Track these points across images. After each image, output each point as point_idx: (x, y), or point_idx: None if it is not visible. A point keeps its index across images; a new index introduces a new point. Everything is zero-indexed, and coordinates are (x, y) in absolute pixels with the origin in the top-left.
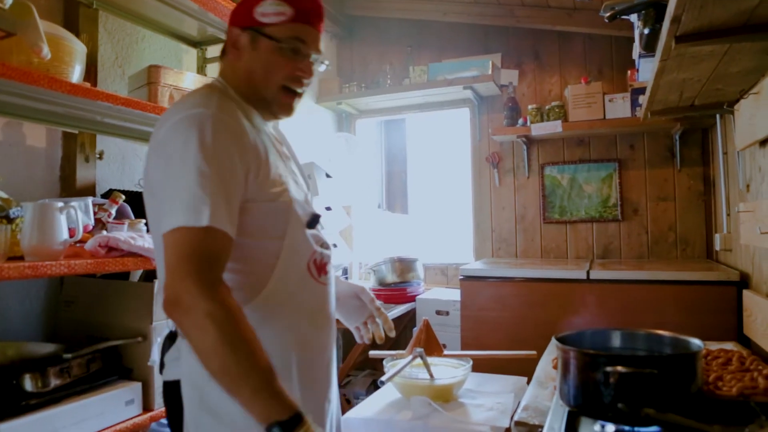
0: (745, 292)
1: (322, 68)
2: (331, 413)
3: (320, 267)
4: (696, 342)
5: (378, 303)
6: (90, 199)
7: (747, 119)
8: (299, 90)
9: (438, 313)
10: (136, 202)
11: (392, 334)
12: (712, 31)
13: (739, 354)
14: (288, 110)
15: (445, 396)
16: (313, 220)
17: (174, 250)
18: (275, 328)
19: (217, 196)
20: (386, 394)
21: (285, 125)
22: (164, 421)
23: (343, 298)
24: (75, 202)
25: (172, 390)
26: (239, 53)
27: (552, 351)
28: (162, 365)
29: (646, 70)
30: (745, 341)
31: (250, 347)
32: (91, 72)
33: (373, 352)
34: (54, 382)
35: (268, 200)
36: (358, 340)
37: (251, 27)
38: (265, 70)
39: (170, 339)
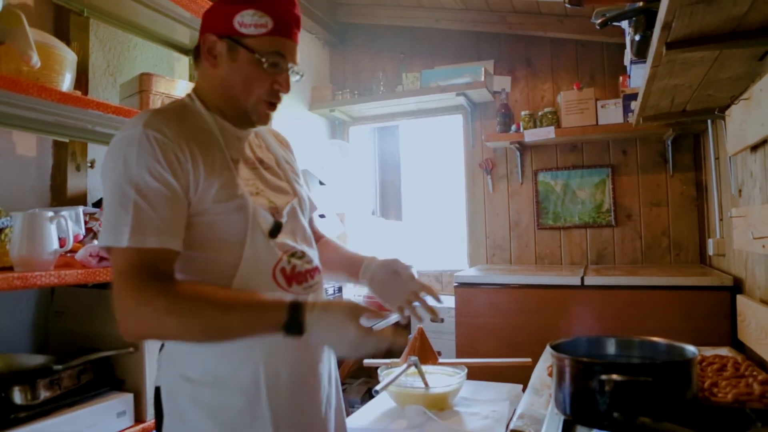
0: (739, 297)
1: (296, 79)
2: (330, 418)
3: (291, 276)
4: (690, 349)
5: (416, 274)
6: (81, 209)
7: (738, 125)
8: (277, 102)
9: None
10: None
11: (440, 303)
12: (703, 38)
13: (734, 360)
14: (265, 120)
15: (440, 404)
16: (275, 229)
17: (113, 274)
18: (238, 342)
19: (141, 214)
20: (381, 403)
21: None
22: None
23: (379, 276)
24: (65, 212)
25: (155, 396)
26: (215, 61)
27: (547, 358)
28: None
29: (637, 77)
30: (740, 346)
31: (206, 300)
32: (82, 80)
33: (367, 361)
34: (44, 394)
35: (221, 213)
36: (402, 322)
37: (229, 36)
38: (244, 83)
39: (162, 346)
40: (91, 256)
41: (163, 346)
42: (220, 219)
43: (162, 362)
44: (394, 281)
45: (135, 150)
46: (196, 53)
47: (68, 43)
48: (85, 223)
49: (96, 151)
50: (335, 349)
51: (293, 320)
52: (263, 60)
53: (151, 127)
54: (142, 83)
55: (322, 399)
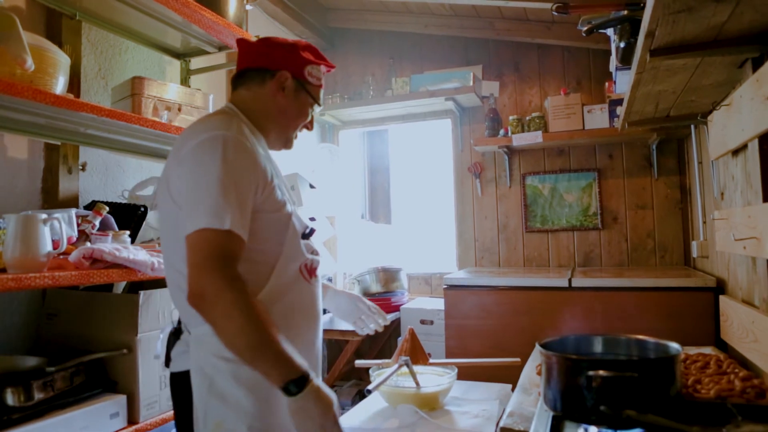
0: (722, 298)
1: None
2: None
3: (310, 271)
4: (674, 346)
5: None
6: (73, 211)
7: (720, 130)
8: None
9: (422, 322)
10: (119, 213)
11: (384, 322)
12: (685, 45)
13: (716, 357)
14: (290, 146)
15: (431, 404)
16: (309, 233)
17: (199, 248)
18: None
19: (235, 205)
20: (373, 403)
21: None
22: None
23: (344, 303)
24: (58, 214)
25: (180, 380)
26: (281, 92)
27: (536, 358)
28: (168, 359)
29: (622, 82)
30: (723, 345)
31: (266, 327)
32: (74, 83)
33: (359, 362)
34: (37, 395)
35: (271, 212)
36: (359, 332)
37: (298, 79)
38: (295, 116)
39: (175, 335)
40: (84, 258)
41: (177, 335)
42: (269, 218)
43: (194, 346)
44: (351, 307)
45: (232, 149)
46: (241, 75)
47: (60, 47)
48: (78, 225)
49: (88, 154)
50: (304, 414)
51: (298, 383)
52: (314, 104)
53: (241, 133)
54: (134, 86)
55: None
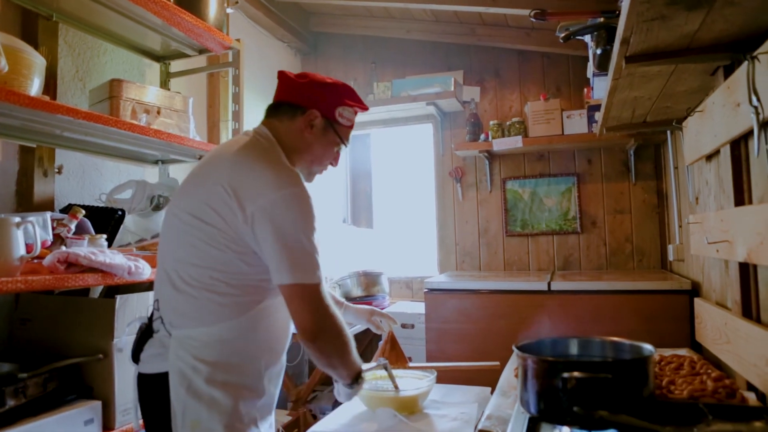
0: (697, 300)
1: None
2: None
3: None
4: (648, 347)
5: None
6: (48, 214)
7: (694, 135)
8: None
9: (403, 326)
10: (97, 217)
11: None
12: (659, 53)
13: (690, 359)
14: (311, 180)
15: (410, 407)
16: None
17: (308, 299)
18: (256, 338)
19: (318, 260)
20: (352, 407)
21: None
22: None
23: (361, 314)
24: (32, 217)
25: (151, 382)
26: (310, 129)
27: (515, 361)
28: (137, 358)
29: (600, 88)
30: (698, 347)
31: (351, 348)
32: (50, 85)
33: None
34: (9, 402)
35: None
36: (375, 330)
37: (328, 119)
38: (322, 154)
39: (146, 335)
40: (59, 262)
41: (148, 334)
42: None
43: (175, 348)
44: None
45: (308, 207)
46: (276, 106)
47: (36, 48)
48: (53, 229)
49: (64, 157)
50: (354, 395)
51: (357, 379)
52: (339, 142)
53: (306, 188)
54: (112, 89)
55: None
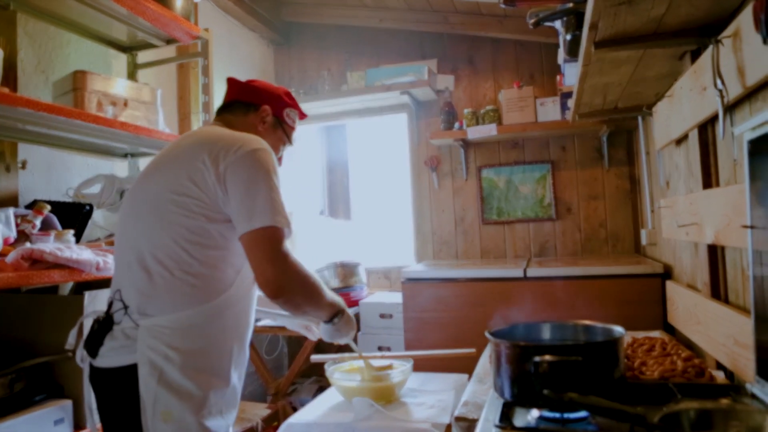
0: (668, 283)
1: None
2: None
3: None
4: (618, 329)
5: None
6: (11, 210)
7: (664, 120)
8: None
9: (382, 316)
10: (64, 212)
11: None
12: (627, 38)
13: (662, 340)
14: None
15: (387, 396)
16: None
17: (269, 246)
18: (224, 324)
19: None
20: (329, 398)
21: None
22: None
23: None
24: None
25: (113, 375)
26: (262, 124)
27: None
28: (95, 354)
29: (571, 75)
30: (671, 329)
31: (321, 290)
32: (10, 77)
33: (315, 357)
34: None
35: None
36: (312, 338)
37: (278, 117)
38: (272, 146)
39: (104, 327)
40: (23, 258)
41: (106, 327)
42: None
43: (144, 338)
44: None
45: (274, 163)
46: (228, 105)
47: None
48: (17, 225)
49: (28, 151)
50: (338, 332)
51: (337, 315)
52: (286, 141)
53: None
54: (76, 81)
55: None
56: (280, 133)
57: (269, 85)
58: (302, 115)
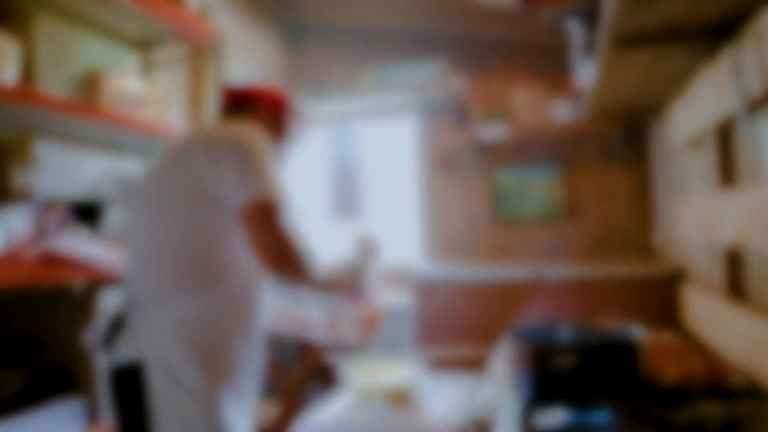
0: (684, 285)
1: None
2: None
3: None
4: (636, 331)
5: None
6: (26, 207)
7: (678, 120)
8: None
9: (390, 316)
10: (78, 210)
11: None
12: (644, 37)
13: (677, 342)
14: None
15: (400, 397)
16: None
17: (267, 220)
18: (232, 315)
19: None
20: (342, 399)
21: None
22: None
23: None
24: (9, 210)
25: (128, 370)
26: (261, 124)
27: (505, 347)
28: (109, 349)
29: (585, 75)
30: (684, 330)
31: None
32: (26, 75)
33: (327, 356)
34: None
35: None
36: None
37: (277, 119)
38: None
39: (118, 323)
40: (38, 255)
41: (119, 325)
42: None
43: (152, 333)
44: None
45: (268, 149)
46: (231, 108)
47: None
48: (32, 222)
49: (43, 148)
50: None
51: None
52: (286, 141)
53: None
54: (91, 79)
55: None
56: (280, 134)
57: (266, 88)
58: (301, 116)
